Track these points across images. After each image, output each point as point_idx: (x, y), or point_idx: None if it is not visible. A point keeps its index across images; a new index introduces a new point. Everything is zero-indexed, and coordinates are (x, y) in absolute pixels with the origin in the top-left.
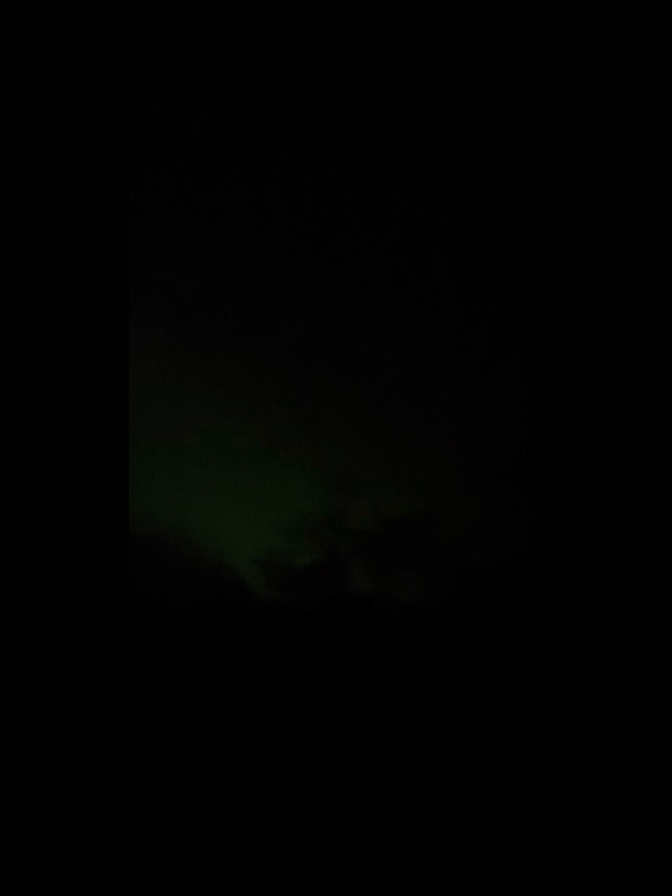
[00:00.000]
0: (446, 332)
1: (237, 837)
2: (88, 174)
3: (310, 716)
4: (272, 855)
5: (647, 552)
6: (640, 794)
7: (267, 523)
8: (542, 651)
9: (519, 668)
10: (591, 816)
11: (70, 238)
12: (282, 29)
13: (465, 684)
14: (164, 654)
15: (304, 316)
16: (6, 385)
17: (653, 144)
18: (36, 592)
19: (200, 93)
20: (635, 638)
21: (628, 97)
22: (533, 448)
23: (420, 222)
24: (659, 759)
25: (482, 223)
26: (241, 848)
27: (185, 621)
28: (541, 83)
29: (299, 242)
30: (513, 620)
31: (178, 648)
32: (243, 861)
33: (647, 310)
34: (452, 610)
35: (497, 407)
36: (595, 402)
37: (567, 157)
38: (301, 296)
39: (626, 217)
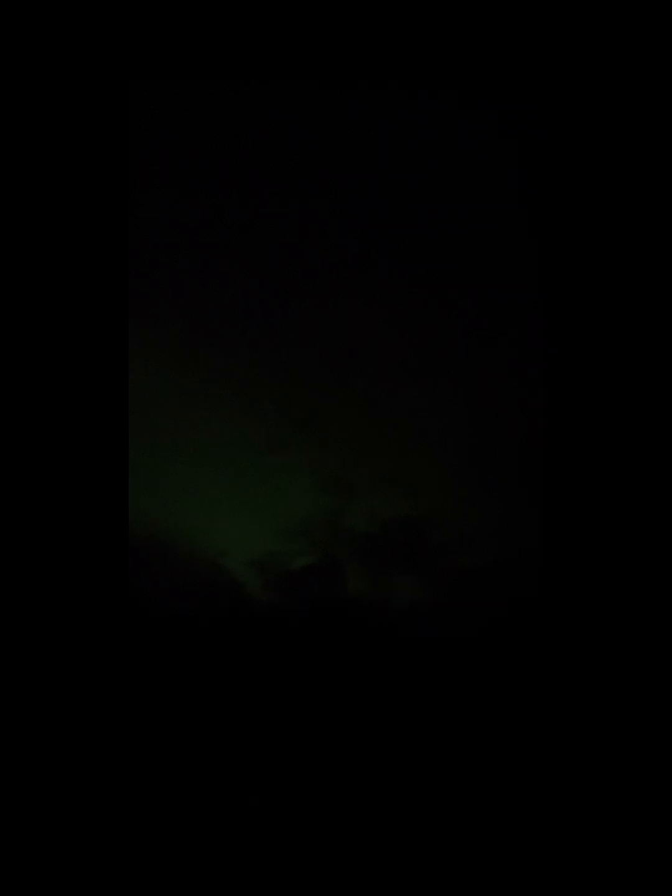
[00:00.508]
0: (444, 336)
1: (234, 835)
2: (89, 174)
3: (306, 715)
4: (269, 853)
5: (647, 557)
6: (640, 795)
7: (264, 525)
8: (540, 653)
9: (516, 670)
10: (590, 817)
11: (70, 239)
12: (282, 30)
13: (462, 686)
14: (162, 653)
15: (302, 319)
16: (7, 387)
17: (652, 149)
18: (38, 593)
19: (200, 93)
20: (635, 640)
21: (628, 98)
22: (530, 451)
23: (419, 225)
24: (657, 763)
25: (482, 226)
26: (237, 845)
27: (184, 622)
28: (541, 86)
29: (298, 245)
30: (510, 623)
31: (176, 648)
32: (240, 858)
33: (645, 313)
34: (448, 612)
35: (494, 410)
36: (596, 407)
37: (567, 161)
38: (299, 299)
39: (625, 219)
